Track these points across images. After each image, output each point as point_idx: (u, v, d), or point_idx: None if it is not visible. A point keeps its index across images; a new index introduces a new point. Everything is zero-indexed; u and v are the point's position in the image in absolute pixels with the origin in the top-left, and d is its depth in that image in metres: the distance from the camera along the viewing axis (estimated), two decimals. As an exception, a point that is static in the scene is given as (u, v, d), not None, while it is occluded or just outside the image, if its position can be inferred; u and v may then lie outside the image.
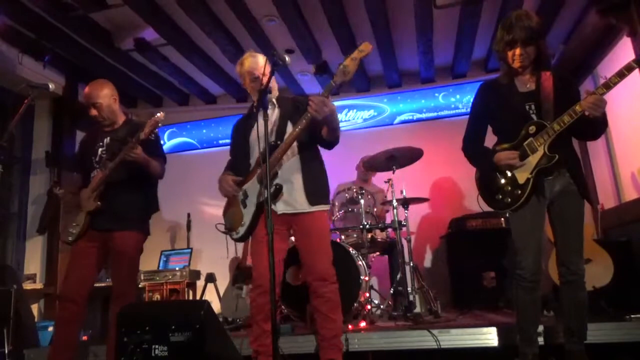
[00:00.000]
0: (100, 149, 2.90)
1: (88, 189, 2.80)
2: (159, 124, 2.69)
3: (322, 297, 2.49)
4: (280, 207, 2.53)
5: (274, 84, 2.68)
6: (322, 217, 2.61)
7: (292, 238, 2.76)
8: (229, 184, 2.63)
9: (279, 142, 2.52)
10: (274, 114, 2.66)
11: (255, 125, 2.54)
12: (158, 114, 2.69)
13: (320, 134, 2.55)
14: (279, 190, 2.51)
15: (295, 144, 2.54)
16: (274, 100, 2.69)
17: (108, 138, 2.91)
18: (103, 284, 4.31)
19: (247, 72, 2.66)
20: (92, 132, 3.09)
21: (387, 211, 4.58)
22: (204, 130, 6.23)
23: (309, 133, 2.52)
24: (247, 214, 2.59)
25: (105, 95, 2.90)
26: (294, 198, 2.54)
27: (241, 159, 2.70)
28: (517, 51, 2.28)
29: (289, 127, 2.58)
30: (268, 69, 2.42)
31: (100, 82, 2.96)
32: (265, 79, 2.44)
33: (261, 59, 2.66)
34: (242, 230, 2.61)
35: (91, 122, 2.97)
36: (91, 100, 2.87)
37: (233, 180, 2.63)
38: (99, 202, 2.75)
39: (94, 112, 2.89)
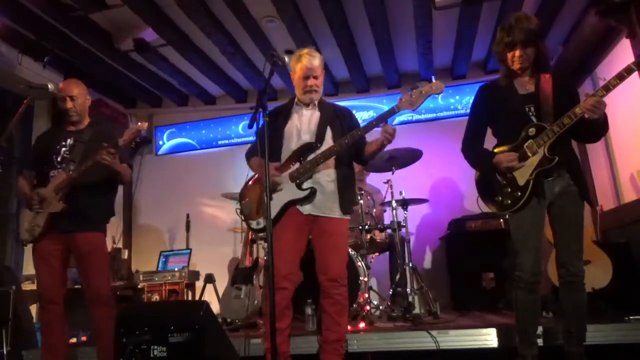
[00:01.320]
0: (62, 149, 2.87)
1: (49, 189, 2.75)
2: (140, 134, 2.69)
3: (332, 298, 2.51)
4: (307, 208, 2.55)
5: (320, 87, 2.72)
6: (345, 223, 2.67)
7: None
8: (273, 172, 2.55)
9: (318, 145, 2.56)
10: (313, 115, 2.70)
11: (295, 120, 2.63)
12: (139, 123, 2.72)
13: (362, 151, 2.63)
14: (313, 194, 2.53)
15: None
16: (315, 102, 2.72)
17: (72, 138, 2.90)
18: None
19: (303, 67, 2.66)
20: (51, 130, 3.09)
21: (385, 211, 4.59)
22: (203, 131, 6.23)
23: (350, 146, 2.58)
24: (273, 207, 2.54)
25: (81, 92, 2.95)
26: (325, 204, 2.57)
27: (272, 147, 2.60)
28: (517, 53, 2.29)
29: (329, 131, 2.64)
30: (322, 72, 2.63)
31: (77, 80, 3.02)
32: (318, 81, 2.62)
33: (318, 61, 2.68)
34: (263, 223, 2.62)
35: (56, 118, 2.97)
36: (68, 93, 2.89)
37: (276, 168, 2.60)
38: (64, 205, 2.73)
39: (69, 104, 2.89)
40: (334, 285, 2.51)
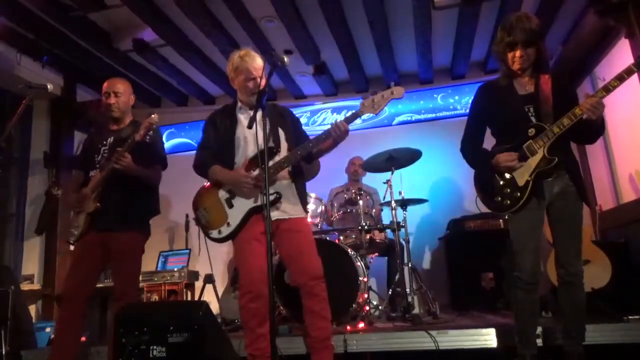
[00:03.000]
0: (103, 148, 2.89)
1: (87, 189, 2.79)
2: (153, 125, 2.69)
3: (317, 295, 2.48)
4: (275, 214, 2.51)
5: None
6: (307, 222, 2.75)
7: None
8: (247, 178, 2.48)
9: (278, 149, 2.54)
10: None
11: (251, 124, 2.48)
12: (152, 116, 2.70)
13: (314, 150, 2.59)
14: (278, 199, 2.50)
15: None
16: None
17: (112, 137, 2.91)
18: (101, 285, 4.29)
19: (246, 69, 2.62)
20: (97, 131, 3.10)
21: (382, 210, 4.59)
22: (203, 131, 6.21)
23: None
24: (235, 215, 2.54)
25: (127, 90, 3.00)
26: (289, 207, 2.57)
27: (223, 154, 2.62)
28: (518, 53, 2.29)
29: (281, 133, 2.62)
30: (265, 73, 2.50)
31: (124, 79, 3.06)
32: (263, 81, 2.45)
33: (260, 61, 2.65)
34: (226, 231, 2.54)
35: (96, 119, 2.98)
36: (114, 89, 2.93)
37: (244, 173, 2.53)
38: (98, 204, 2.74)
39: (113, 99, 2.92)
40: (317, 282, 2.48)
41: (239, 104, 2.73)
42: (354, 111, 2.48)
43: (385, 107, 2.52)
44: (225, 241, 2.61)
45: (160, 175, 3.00)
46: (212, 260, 4.96)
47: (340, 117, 5.82)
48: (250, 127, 2.30)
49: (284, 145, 2.61)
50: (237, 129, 2.64)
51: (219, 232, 2.57)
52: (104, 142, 2.91)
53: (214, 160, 2.63)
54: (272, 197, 2.45)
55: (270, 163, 2.45)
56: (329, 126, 2.47)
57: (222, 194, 2.59)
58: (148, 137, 2.72)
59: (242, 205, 2.54)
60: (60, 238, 2.93)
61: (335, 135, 2.43)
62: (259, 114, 2.30)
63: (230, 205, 2.56)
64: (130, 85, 3.04)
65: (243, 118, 2.66)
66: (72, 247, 2.92)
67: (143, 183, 2.86)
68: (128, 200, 2.81)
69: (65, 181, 2.99)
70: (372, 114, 2.46)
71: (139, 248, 2.88)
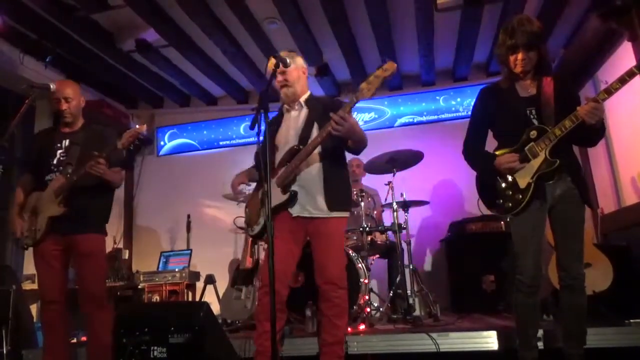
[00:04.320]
0: (59, 151, 2.87)
1: (48, 193, 2.77)
2: (139, 136, 2.68)
3: (330, 301, 2.49)
4: (295, 210, 2.53)
5: (305, 84, 2.70)
6: (339, 223, 2.59)
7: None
8: (233, 186, 2.78)
9: (301, 147, 2.52)
10: (300, 115, 2.66)
11: (283, 127, 2.64)
12: (137, 126, 2.70)
13: (345, 143, 2.56)
14: (294, 197, 2.51)
15: (318, 149, 2.52)
16: (302, 101, 2.69)
17: (67, 141, 2.89)
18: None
19: (271, 66, 2.58)
20: (46, 132, 3.08)
21: (383, 211, 4.59)
22: (205, 132, 6.23)
23: (333, 140, 2.47)
24: (264, 213, 2.60)
25: (76, 93, 2.94)
26: (312, 204, 2.52)
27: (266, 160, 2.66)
28: (520, 56, 2.29)
29: (315, 131, 2.56)
30: (294, 68, 2.61)
31: (71, 81, 3.01)
32: (287, 76, 2.59)
33: (270, 61, 2.66)
34: (257, 229, 2.66)
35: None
36: (63, 95, 2.88)
37: (239, 183, 2.77)
38: (65, 208, 2.73)
39: (64, 105, 2.88)
40: (332, 288, 2.48)
41: (282, 105, 2.78)
42: (349, 100, 2.36)
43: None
44: (258, 237, 2.73)
45: (122, 177, 3.05)
46: (214, 261, 4.98)
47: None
48: (252, 128, 2.30)
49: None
50: (277, 132, 2.69)
51: (252, 229, 2.70)
52: (58, 145, 2.89)
53: (255, 165, 2.83)
54: (287, 196, 2.50)
55: (292, 163, 2.51)
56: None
57: (260, 194, 2.67)
58: (132, 146, 2.70)
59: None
60: (13, 236, 2.90)
61: (335, 127, 2.30)
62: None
63: (263, 204, 2.61)
64: (78, 87, 2.99)
65: (285, 121, 2.72)
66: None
67: (105, 187, 2.87)
68: (90, 204, 2.82)
69: (20, 182, 2.96)
70: (366, 98, 2.33)
71: (102, 248, 2.91)
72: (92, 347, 2.76)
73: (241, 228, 2.87)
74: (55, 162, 2.85)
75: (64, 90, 2.89)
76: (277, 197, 2.52)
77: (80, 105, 2.97)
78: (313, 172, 2.55)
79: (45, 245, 2.77)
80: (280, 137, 2.65)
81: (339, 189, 2.58)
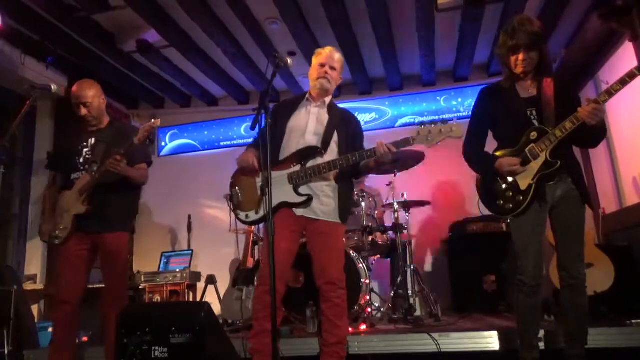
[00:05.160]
0: (85, 150, 2.89)
1: (74, 191, 2.79)
2: (154, 130, 2.70)
3: (330, 301, 2.49)
4: (301, 211, 2.52)
5: (333, 80, 2.69)
6: (342, 229, 2.66)
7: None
8: (253, 164, 2.56)
9: (323, 151, 2.53)
10: (322, 114, 2.67)
11: (301, 116, 2.59)
12: (153, 120, 2.71)
13: (357, 166, 2.58)
14: (309, 201, 2.50)
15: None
16: (327, 100, 2.71)
17: (93, 139, 2.91)
18: (103, 285, 4.30)
19: (325, 56, 2.68)
20: (73, 131, 3.09)
21: (384, 212, 4.59)
22: (206, 132, 6.23)
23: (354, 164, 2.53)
24: (265, 204, 2.54)
25: (95, 95, 2.93)
26: (323, 209, 2.53)
27: (273, 146, 2.59)
28: (521, 56, 2.29)
29: (335, 136, 2.60)
30: (340, 70, 2.66)
31: (90, 82, 2.97)
32: (333, 75, 2.63)
33: (339, 56, 2.73)
34: (253, 217, 2.60)
35: (77, 122, 2.99)
36: (82, 100, 2.88)
37: (257, 163, 2.58)
38: (89, 206, 2.75)
39: (84, 111, 2.88)
40: (332, 288, 2.49)
41: (307, 95, 2.76)
42: (406, 137, 2.45)
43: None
44: (250, 225, 2.69)
45: (147, 174, 3.02)
46: (215, 261, 4.98)
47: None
48: (252, 128, 2.31)
49: (333, 149, 2.60)
50: (291, 119, 2.66)
51: (247, 216, 2.62)
52: (85, 144, 2.91)
53: (254, 145, 2.69)
54: (302, 199, 2.48)
55: (311, 163, 2.50)
56: None
57: (259, 180, 2.60)
58: (148, 141, 2.74)
59: (274, 197, 2.49)
60: (41, 237, 2.92)
61: (380, 155, 2.42)
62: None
63: (264, 193, 2.56)
64: (98, 87, 2.97)
65: (304, 110, 2.70)
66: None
67: (129, 184, 2.87)
68: (115, 201, 2.83)
69: (49, 181, 2.99)
70: (424, 145, 2.42)
71: (126, 248, 2.92)
72: (110, 345, 2.73)
73: (230, 207, 2.75)
74: (81, 160, 2.87)
75: (81, 95, 2.87)
76: (288, 193, 2.50)
77: (101, 105, 2.97)
78: (330, 185, 2.57)
79: (71, 245, 2.79)
80: (295, 126, 2.61)
81: (348, 205, 2.66)
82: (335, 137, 2.61)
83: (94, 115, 2.92)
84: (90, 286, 2.93)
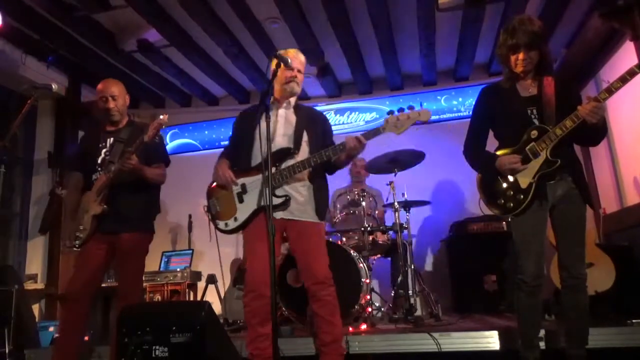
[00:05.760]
0: (103, 150, 2.89)
1: (92, 192, 2.79)
2: (163, 126, 2.69)
3: (321, 300, 2.48)
4: (280, 213, 2.51)
5: (300, 82, 2.69)
6: (322, 227, 2.66)
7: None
8: (229, 176, 2.58)
9: (296, 151, 2.53)
10: (289, 117, 2.66)
11: (269, 122, 2.50)
12: (161, 116, 2.68)
13: (330, 161, 2.56)
14: (287, 201, 2.49)
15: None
16: (291, 102, 2.69)
17: (111, 139, 2.91)
18: (104, 284, 4.30)
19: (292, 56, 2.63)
20: (93, 131, 3.08)
21: (385, 211, 4.59)
22: (206, 132, 6.23)
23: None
24: (243, 210, 2.55)
25: (122, 91, 2.97)
26: (300, 209, 2.54)
27: (242, 151, 2.65)
28: (521, 56, 2.29)
29: (305, 136, 2.60)
30: (304, 67, 2.62)
31: (116, 80, 3.01)
32: (300, 77, 2.58)
33: (303, 58, 2.72)
34: (232, 225, 2.58)
35: (94, 121, 2.98)
36: (110, 93, 2.90)
37: (232, 177, 2.58)
38: (105, 206, 2.74)
39: (112, 104, 2.90)
40: (321, 287, 2.47)
41: (272, 99, 2.72)
42: (376, 127, 2.46)
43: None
44: (230, 233, 2.64)
45: (165, 174, 3.02)
46: (215, 260, 4.97)
47: (343, 119, 5.88)
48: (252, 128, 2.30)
49: (304, 148, 2.59)
50: (261, 126, 2.60)
51: (226, 224, 2.60)
52: (103, 144, 2.91)
53: (224, 155, 2.76)
54: (281, 200, 2.46)
55: (284, 164, 2.49)
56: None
57: (235, 188, 2.59)
58: (157, 138, 2.73)
59: (251, 202, 2.54)
60: (63, 241, 2.92)
61: (350, 148, 2.43)
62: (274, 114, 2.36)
63: (241, 200, 2.57)
64: (123, 86, 3.00)
65: (271, 115, 2.63)
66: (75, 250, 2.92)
67: (147, 183, 2.86)
68: (133, 201, 2.82)
69: (68, 182, 2.98)
70: (394, 133, 2.45)
71: (144, 248, 2.90)
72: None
73: (208, 217, 2.75)
74: (99, 161, 2.86)
75: (110, 89, 2.91)
76: (266, 197, 2.45)
77: (126, 103, 2.99)
78: (304, 184, 2.58)
79: (90, 245, 2.78)
80: (263, 133, 2.54)
81: (324, 202, 2.66)
82: (305, 136, 2.61)
83: (120, 110, 2.93)
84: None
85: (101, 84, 2.94)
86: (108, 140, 2.91)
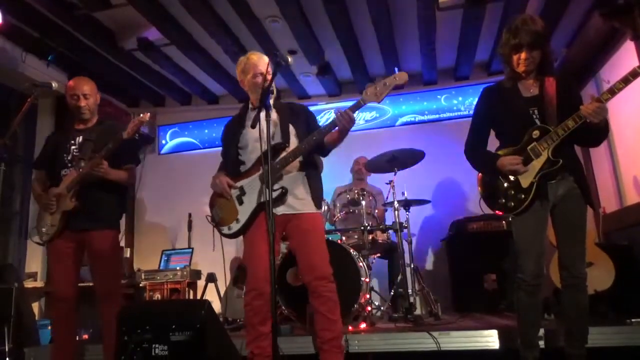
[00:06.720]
0: (72, 147, 2.89)
1: (61, 188, 2.79)
2: (143, 124, 2.70)
3: (322, 296, 2.47)
4: (281, 209, 2.52)
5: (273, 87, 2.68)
6: (319, 218, 2.67)
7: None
8: (225, 182, 2.61)
9: (287, 144, 2.53)
10: (273, 116, 2.64)
11: (254, 124, 2.49)
12: (142, 115, 2.72)
13: (322, 143, 2.57)
14: (284, 194, 2.50)
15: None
16: (271, 102, 2.67)
17: (81, 137, 2.91)
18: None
19: (252, 65, 2.65)
20: (61, 129, 3.11)
21: (386, 210, 4.59)
22: (206, 130, 6.23)
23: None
24: (244, 211, 2.57)
25: (93, 90, 2.98)
26: (298, 202, 2.54)
27: (234, 159, 2.68)
28: (523, 55, 2.28)
29: (292, 129, 2.62)
30: (270, 70, 2.51)
31: (87, 78, 3.02)
32: (268, 77, 2.51)
33: (266, 59, 2.70)
34: (235, 227, 2.59)
35: (62, 117, 2.98)
36: (82, 91, 2.91)
37: (229, 183, 2.62)
38: (76, 202, 2.75)
39: (83, 101, 2.91)
40: (323, 283, 2.47)
41: (250, 105, 2.74)
42: (357, 100, 2.48)
43: (386, 97, 2.50)
44: (235, 237, 2.64)
45: (135, 175, 3.04)
46: (214, 259, 4.96)
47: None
48: (253, 127, 2.31)
49: (293, 141, 2.60)
50: (246, 130, 2.64)
51: (229, 228, 2.61)
52: (72, 142, 2.91)
53: (222, 168, 2.76)
54: (277, 193, 2.46)
55: (277, 159, 2.48)
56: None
57: (235, 191, 2.61)
58: (137, 135, 2.74)
59: (250, 202, 2.55)
60: (31, 237, 2.93)
61: (341, 124, 2.43)
62: (271, 113, 2.30)
63: (241, 202, 2.58)
64: (94, 85, 3.02)
65: (261, 118, 2.67)
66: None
67: (116, 183, 2.88)
68: (103, 199, 2.84)
69: (35, 179, 2.99)
70: (375, 102, 2.46)
71: (117, 245, 2.93)
72: (108, 344, 2.73)
73: (212, 224, 2.77)
74: (69, 158, 2.87)
75: (82, 87, 2.93)
76: (263, 193, 2.48)
77: (96, 102, 3.01)
78: (294, 170, 2.58)
79: (59, 242, 2.79)
80: (252, 132, 2.55)
81: (320, 186, 2.69)
82: (292, 130, 2.63)
83: (91, 108, 2.95)
84: (90, 284, 2.92)
85: (72, 81, 2.96)
86: (77, 138, 2.92)
